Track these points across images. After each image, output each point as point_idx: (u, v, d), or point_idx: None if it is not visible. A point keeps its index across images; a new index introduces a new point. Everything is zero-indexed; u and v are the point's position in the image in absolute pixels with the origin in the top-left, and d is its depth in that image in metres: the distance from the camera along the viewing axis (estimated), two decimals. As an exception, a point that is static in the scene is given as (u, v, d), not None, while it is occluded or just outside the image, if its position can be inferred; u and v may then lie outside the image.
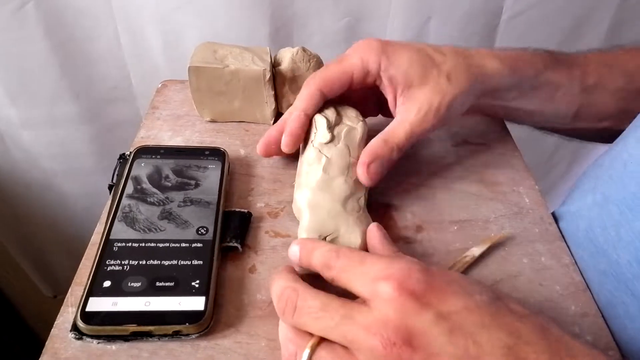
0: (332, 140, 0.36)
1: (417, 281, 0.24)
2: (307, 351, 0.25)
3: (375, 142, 0.36)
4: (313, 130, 0.37)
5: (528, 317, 0.25)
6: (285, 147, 0.37)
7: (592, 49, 0.44)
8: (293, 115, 0.37)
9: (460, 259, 0.35)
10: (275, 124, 0.39)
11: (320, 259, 0.28)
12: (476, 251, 0.36)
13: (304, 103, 0.37)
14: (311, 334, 0.26)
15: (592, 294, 0.34)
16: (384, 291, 0.24)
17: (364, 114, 0.40)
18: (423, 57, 0.37)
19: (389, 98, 0.38)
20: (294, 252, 0.30)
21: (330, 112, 0.37)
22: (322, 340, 0.25)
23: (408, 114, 0.37)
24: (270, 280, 0.29)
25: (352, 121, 0.38)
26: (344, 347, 0.25)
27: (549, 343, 0.23)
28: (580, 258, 0.36)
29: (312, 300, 0.26)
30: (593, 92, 0.42)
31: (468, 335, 0.23)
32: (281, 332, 0.27)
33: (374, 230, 0.33)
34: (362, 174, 0.35)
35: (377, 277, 0.25)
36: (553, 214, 0.41)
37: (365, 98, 0.41)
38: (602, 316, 0.33)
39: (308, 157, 0.36)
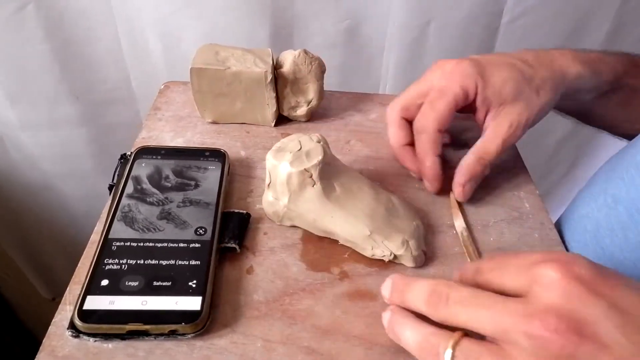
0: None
1: (584, 267, 0.22)
2: (449, 347, 0.23)
3: (469, 160, 0.39)
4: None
5: None
6: (434, 190, 0.40)
7: None
8: (429, 162, 0.39)
9: (463, 240, 0.37)
10: (405, 161, 0.41)
11: (467, 269, 0.27)
12: (460, 225, 0.38)
13: (433, 148, 0.39)
14: (453, 331, 0.24)
15: None
16: (546, 275, 0.22)
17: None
18: (515, 73, 0.39)
19: (479, 114, 0.40)
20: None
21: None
22: (465, 335, 0.24)
23: (500, 128, 0.38)
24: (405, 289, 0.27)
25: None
26: (491, 342, 0.23)
27: None
28: None
29: (465, 290, 0.25)
30: None
31: None
32: (418, 333, 0.25)
33: None
34: (459, 194, 0.39)
35: (536, 262, 0.23)
36: (558, 222, 0.41)
37: None
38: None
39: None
